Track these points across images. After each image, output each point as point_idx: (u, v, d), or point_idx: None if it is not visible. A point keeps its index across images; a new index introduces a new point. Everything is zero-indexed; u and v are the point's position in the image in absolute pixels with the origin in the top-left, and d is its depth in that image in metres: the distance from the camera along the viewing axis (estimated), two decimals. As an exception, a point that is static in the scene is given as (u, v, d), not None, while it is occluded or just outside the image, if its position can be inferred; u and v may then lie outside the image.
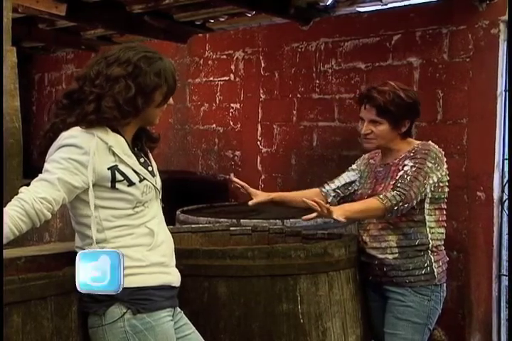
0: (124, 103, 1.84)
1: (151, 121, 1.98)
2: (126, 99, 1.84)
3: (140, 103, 1.87)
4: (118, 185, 1.85)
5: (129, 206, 1.88)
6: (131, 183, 1.86)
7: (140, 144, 2.02)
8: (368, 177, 2.62)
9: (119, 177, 1.85)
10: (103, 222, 1.86)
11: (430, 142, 2.51)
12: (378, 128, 2.47)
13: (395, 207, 2.33)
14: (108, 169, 1.83)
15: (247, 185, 2.55)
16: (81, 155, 1.80)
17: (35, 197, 1.73)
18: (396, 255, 2.47)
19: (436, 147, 2.48)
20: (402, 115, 2.46)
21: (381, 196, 2.35)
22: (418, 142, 2.53)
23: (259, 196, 2.57)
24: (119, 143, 1.88)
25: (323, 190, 2.67)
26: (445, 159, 2.49)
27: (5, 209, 1.69)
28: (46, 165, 1.81)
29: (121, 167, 1.86)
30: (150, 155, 2.05)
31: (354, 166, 2.70)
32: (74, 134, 1.83)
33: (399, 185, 2.37)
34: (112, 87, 1.85)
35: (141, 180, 1.89)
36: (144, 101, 1.88)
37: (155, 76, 1.88)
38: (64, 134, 1.83)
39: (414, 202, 2.37)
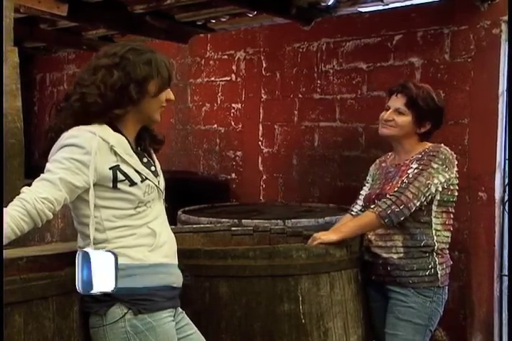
0: (107, 89, 1.84)
1: (149, 115, 1.96)
2: (109, 84, 1.84)
3: (134, 93, 1.86)
4: (119, 185, 1.84)
5: (130, 206, 1.87)
6: (132, 183, 1.86)
7: (143, 144, 2.01)
8: (378, 178, 2.63)
9: (120, 177, 1.84)
10: (104, 222, 1.85)
11: (442, 145, 2.52)
12: (401, 118, 2.49)
13: (388, 211, 2.35)
14: (109, 169, 1.83)
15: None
16: (82, 154, 1.79)
17: (37, 197, 1.72)
18: (401, 255, 2.47)
19: (448, 149, 2.49)
20: (427, 115, 2.49)
21: (372, 206, 2.43)
22: (430, 144, 2.53)
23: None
24: (120, 142, 1.87)
25: (353, 213, 2.69)
26: (456, 162, 2.49)
27: (6, 209, 1.69)
28: (48, 165, 1.81)
29: (123, 167, 1.85)
30: (153, 156, 2.05)
31: (367, 177, 2.73)
32: (75, 134, 1.83)
33: (396, 189, 2.41)
34: (93, 75, 1.86)
35: (142, 180, 1.88)
36: (138, 90, 1.87)
37: (145, 65, 1.88)
38: (65, 134, 1.84)
39: (416, 202, 2.37)
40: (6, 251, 1.71)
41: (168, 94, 1.97)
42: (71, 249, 2.01)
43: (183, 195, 3.95)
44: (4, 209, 1.69)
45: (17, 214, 1.69)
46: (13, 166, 2.73)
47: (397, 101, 2.51)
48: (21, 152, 2.82)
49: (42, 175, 1.79)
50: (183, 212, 3.73)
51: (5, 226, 1.66)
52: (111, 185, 1.84)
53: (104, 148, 1.83)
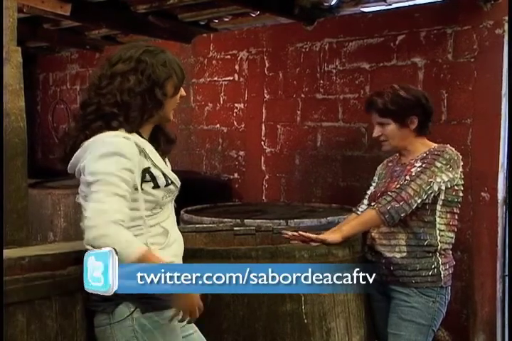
0: (125, 95, 1.83)
1: (167, 115, 1.97)
2: (126, 90, 1.83)
3: (160, 95, 1.87)
4: (144, 186, 1.85)
5: (148, 207, 1.88)
6: (156, 186, 1.87)
7: (157, 144, 2.01)
8: (384, 177, 2.64)
9: (147, 177, 1.86)
10: None
11: (448, 145, 2.52)
12: (386, 129, 2.50)
13: (388, 207, 2.37)
14: (141, 172, 1.85)
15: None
16: (127, 162, 1.79)
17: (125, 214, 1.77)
18: (404, 254, 2.47)
19: (453, 150, 2.49)
20: (405, 112, 2.48)
21: (373, 203, 2.45)
22: (436, 145, 2.53)
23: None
24: (148, 146, 1.89)
25: (359, 213, 2.67)
26: (462, 163, 2.49)
27: (133, 238, 1.75)
28: (106, 178, 1.76)
29: (153, 169, 1.87)
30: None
31: (374, 177, 2.73)
32: (109, 141, 1.80)
33: (397, 186, 2.42)
34: (110, 83, 1.85)
35: (167, 184, 1.90)
36: (162, 92, 1.87)
37: (162, 66, 1.88)
38: (97, 141, 1.81)
39: (417, 199, 2.38)
40: (9, 250, 1.71)
41: (181, 91, 1.97)
42: (74, 249, 2.02)
43: (186, 195, 3.93)
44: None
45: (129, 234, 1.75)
46: (17, 166, 2.74)
47: (375, 118, 2.53)
48: (24, 151, 2.83)
49: (108, 188, 1.75)
50: (185, 212, 3.73)
51: (139, 248, 1.73)
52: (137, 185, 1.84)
53: (139, 153, 1.84)
